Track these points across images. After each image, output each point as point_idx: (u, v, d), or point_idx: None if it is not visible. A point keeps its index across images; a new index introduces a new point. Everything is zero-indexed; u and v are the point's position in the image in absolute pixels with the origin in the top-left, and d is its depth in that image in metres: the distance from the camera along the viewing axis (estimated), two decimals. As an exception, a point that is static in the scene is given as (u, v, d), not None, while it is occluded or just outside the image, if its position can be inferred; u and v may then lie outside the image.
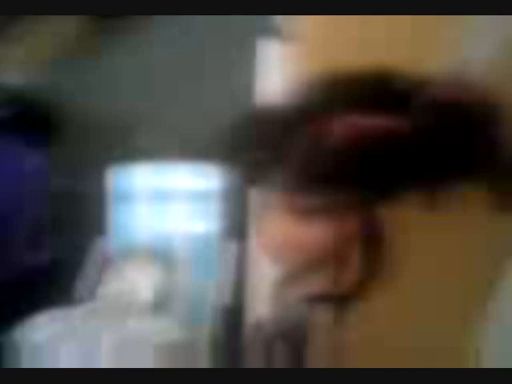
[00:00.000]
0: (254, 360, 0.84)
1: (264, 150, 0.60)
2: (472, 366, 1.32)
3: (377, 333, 1.27)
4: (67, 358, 1.36)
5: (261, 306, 0.87)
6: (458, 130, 0.59)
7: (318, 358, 0.71)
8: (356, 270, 0.66)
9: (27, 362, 1.34)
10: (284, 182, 0.58)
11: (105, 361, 1.36)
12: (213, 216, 1.75)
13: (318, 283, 0.70)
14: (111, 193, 1.75)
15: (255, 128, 0.63)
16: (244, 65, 2.65)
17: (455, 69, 0.64)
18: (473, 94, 0.60)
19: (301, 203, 0.63)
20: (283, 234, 0.67)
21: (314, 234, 0.65)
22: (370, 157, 0.57)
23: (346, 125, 0.57)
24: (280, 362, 0.76)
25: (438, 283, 1.12)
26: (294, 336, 0.74)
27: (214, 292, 1.70)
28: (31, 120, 2.52)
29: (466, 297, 1.24)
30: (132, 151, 2.68)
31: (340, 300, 0.69)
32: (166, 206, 1.77)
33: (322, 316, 0.70)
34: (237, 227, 1.76)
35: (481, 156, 0.61)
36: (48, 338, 1.40)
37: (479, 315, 1.31)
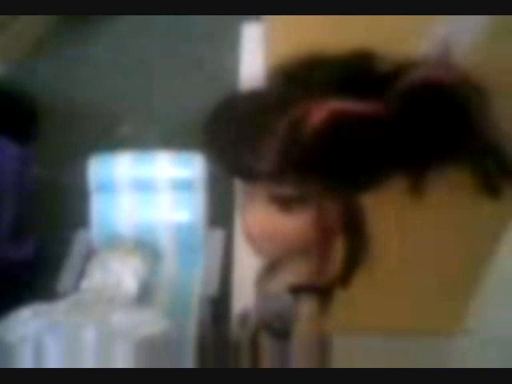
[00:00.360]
0: (239, 352, 0.82)
1: (241, 137, 0.58)
2: (463, 347, 1.33)
3: (362, 320, 1.26)
4: (51, 352, 1.35)
5: (248, 296, 0.85)
6: (442, 112, 0.58)
7: (302, 349, 0.70)
8: (339, 259, 0.64)
9: (11, 356, 1.33)
10: (262, 171, 0.55)
11: (88, 354, 1.35)
12: (197, 205, 1.73)
13: (300, 273, 0.68)
14: (93, 183, 1.71)
15: (231, 115, 0.61)
16: (228, 50, 2.63)
17: (438, 50, 0.62)
18: (456, 76, 0.59)
19: (280, 192, 0.61)
20: (264, 224, 0.65)
21: (295, 223, 0.63)
22: (350, 142, 0.55)
23: (325, 110, 0.54)
24: (265, 353, 0.74)
25: (423, 269, 1.11)
26: (277, 327, 0.72)
27: (199, 282, 1.69)
28: (11, 111, 2.49)
29: (450, 280, 1.24)
30: (114, 141, 2.66)
31: (323, 290, 0.67)
32: (149, 196, 1.75)
33: (306, 306, 0.68)
34: (222, 216, 1.74)
35: (465, 138, 0.59)
36: (32, 332, 1.39)
37: (467, 297, 1.31)
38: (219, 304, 1.61)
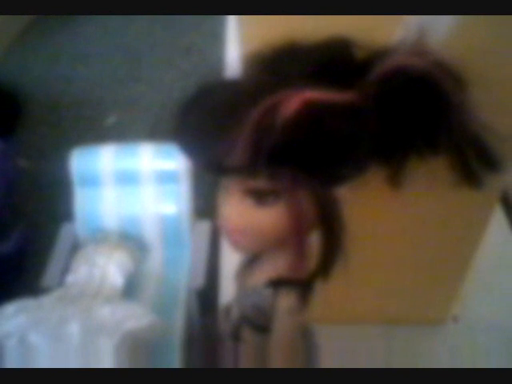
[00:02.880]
0: (224, 345, 0.82)
1: (212, 128, 0.56)
2: (451, 335, 1.34)
3: (345, 311, 1.26)
4: (36, 348, 1.34)
5: (234, 289, 0.85)
6: (418, 100, 0.56)
7: (281, 343, 0.69)
8: (316, 251, 0.63)
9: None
10: (233, 164, 0.54)
11: (74, 349, 1.34)
12: (183, 197, 1.71)
13: (279, 267, 0.67)
14: (76, 176, 1.69)
15: (202, 106, 0.59)
16: (214, 38, 2.61)
17: (413, 37, 0.61)
18: (435, 64, 0.57)
19: (254, 185, 0.60)
20: (239, 217, 0.63)
21: (270, 216, 0.62)
22: (324, 133, 0.54)
23: (298, 99, 0.53)
24: (246, 347, 0.73)
25: (405, 259, 1.11)
26: (257, 321, 0.71)
27: (186, 275, 1.68)
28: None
29: (434, 269, 1.25)
30: (100, 132, 2.64)
31: (302, 283, 0.66)
32: (134, 188, 1.73)
33: (285, 300, 0.67)
34: (208, 208, 1.73)
35: (443, 127, 0.58)
36: (16, 328, 1.37)
37: (452, 286, 1.32)
38: (206, 296, 1.60)
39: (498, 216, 1.45)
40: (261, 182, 0.58)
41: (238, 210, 0.63)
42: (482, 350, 1.27)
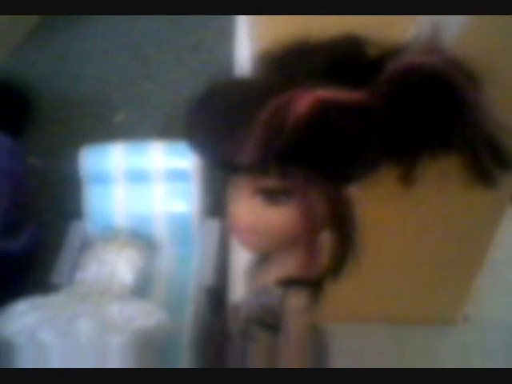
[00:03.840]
0: (233, 344, 0.81)
1: (223, 127, 0.56)
2: (463, 334, 1.33)
3: (358, 310, 1.26)
4: (47, 345, 1.34)
5: (244, 287, 0.84)
6: (431, 98, 0.55)
7: (291, 343, 0.69)
8: (328, 251, 0.62)
9: (7, 350, 1.32)
10: (244, 163, 0.54)
11: (84, 346, 1.34)
12: (193, 195, 1.71)
13: (288, 266, 0.67)
14: (86, 174, 1.70)
15: (213, 104, 0.59)
16: (223, 36, 2.60)
17: (427, 35, 0.60)
18: (448, 61, 0.56)
19: (265, 184, 0.59)
20: (249, 216, 0.63)
21: (281, 216, 0.61)
22: (336, 132, 0.53)
23: (310, 98, 0.52)
24: (256, 347, 0.73)
25: (418, 258, 1.10)
26: (267, 320, 0.70)
27: (195, 273, 1.67)
28: (3, 103, 2.46)
29: (446, 268, 1.24)
30: (109, 130, 2.64)
31: (313, 282, 0.66)
32: (144, 186, 1.73)
33: (296, 299, 0.67)
34: (218, 206, 1.72)
35: (457, 126, 0.57)
36: (27, 325, 1.38)
37: (465, 285, 1.31)
38: (215, 294, 1.60)
39: (511, 215, 1.44)
40: (271, 181, 0.58)
41: (249, 208, 0.62)
42: (493, 350, 1.26)
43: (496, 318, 1.33)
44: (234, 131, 0.54)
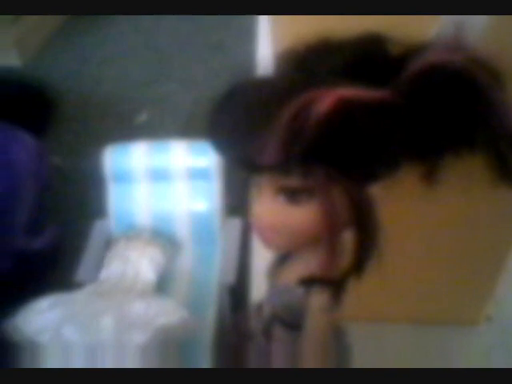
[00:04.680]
0: (255, 343, 0.82)
1: (246, 126, 0.56)
2: (485, 336, 1.31)
3: (380, 310, 1.25)
4: (70, 342, 1.36)
5: (266, 286, 0.84)
6: (453, 97, 0.55)
7: (313, 342, 0.69)
8: (350, 250, 0.62)
9: (31, 347, 1.34)
10: (267, 162, 0.54)
11: (107, 344, 1.36)
12: (214, 194, 1.72)
13: (310, 265, 0.67)
14: (109, 173, 1.71)
15: (236, 104, 0.59)
16: (245, 35, 2.60)
17: (449, 33, 0.59)
18: (471, 60, 0.56)
19: (287, 183, 0.59)
20: (271, 215, 0.63)
21: (303, 215, 0.61)
22: (358, 131, 0.53)
23: (332, 97, 0.52)
24: (278, 346, 0.73)
25: (440, 258, 1.09)
26: (289, 319, 0.71)
27: (217, 272, 1.68)
28: (28, 103, 2.50)
29: (469, 269, 1.22)
30: (131, 129, 2.66)
31: (335, 282, 0.66)
32: (166, 185, 1.74)
33: (318, 298, 0.67)
34: (240, 205, 1.73)
35: (481, 124, 0.57)
36: (50, 322, 1.40)
37: (488, 286, 1.29)
38: (237, 293, 1.61)
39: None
40: (294, 180, 0.58)
41: (271, 207, 0.62)
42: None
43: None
44: (257, 130, 0.54)
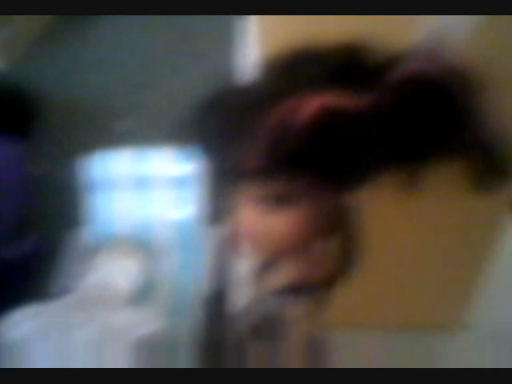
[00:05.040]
0: (235, 351, 0.81)
1: (229, 133, 0.56)
2: (461, 343, 1.32)
3: (358, 316, 1.25)
4: (45, 354, 1.33)
5: (245, 295, 0.84)
6: (433, 105, 0.55)
7: (291, 352, 0.68)
8: (329, 258, 0.62)
9: (4, 359, 1.31)
10: (249, 168, 0.53)
11: (83, 355, 1.33)
12: (194, 202, 1.70)
13: (293, 273, 0.66)
14: (89, 181, 1.69)
15: (219, 110, 0.58)
16: (226, 44, 2.60)
17: (430, 42, 0.59)
18: (450, 68, 0.56)
19: (269, 190, 0.59)
20: (253, 223, 0.62)
21: (285, 222, 0.61)
22: (341, 138, 0.53)
23: (315, 104, 0.52)
24: (253, 356, 0.72)
25: (419, 265, 1.09)
26: (269, 328, 0.70)
27: (198, 280, 1.67)
28: (8, 109, 2.47)
29: (447, 275, 1.23)
30: (113, 137, 2.64)
31: (317, 289, 0.65)
32: (145, 193, 1.72)
33: (295, 308, 0.66)
34: (221, 213, 1.72)
35: (460, 133, 0.57)
36: (25, 334, 1.37)
37: (465, 293, 1.30)
38: (218, 302, 1.59)
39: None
40: (276, 187, 0.57)
41: (253, 214, 0.62)
42: (494, 357, 1.25)
43: (498, 325, 1.32)
44: (241, 136, 0.54)
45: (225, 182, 0.62)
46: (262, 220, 0.61)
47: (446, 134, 0.57)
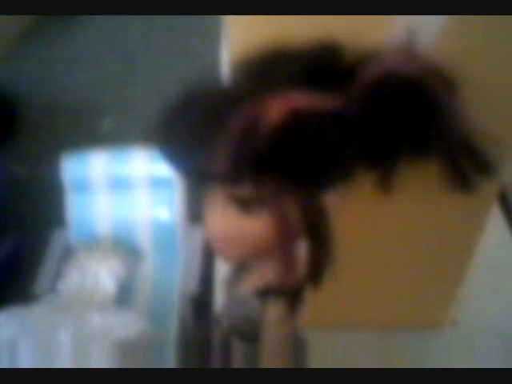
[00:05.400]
0: (214, 355, 0.80)
1: (195, 135, 0.55)
2: (449, 338, 1.32)
3: (341, 315, 1.25)
4: (26, 356, 1.32)
5: (225, 296, 0.83)
6: (407, 104, 0.55)
7: (271, 352, 0.67)
8: (304, 260, 0.61)
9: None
10: (217, 171, 0.52)
11: (65, 357, 1.32)
12: (176, 202, 1.69)
13: (266, 276, 0.66)
14: (68, 182, 1.68)
15: (186, 113, 0.57)
16: (211, 42, 2.59)
17: (402, 40, 0.59)
18: (424, 67, 0.56)
19: (238, 193, 0.58)
20: (223, 226, 0.62)
21: (255, 225, 0.60)
22: (311, 139, 0.52)
23: (284, 104, 0.51)
24: (236, 357, 0.72)
25: (399, 263, 1.10)
26: (246, 330, 0.69)
27: (180, 280, 1.66)
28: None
29: (426, 273, 1.23)
30: (94, 137, 2.62)
31: (291, 291, 0.65)
32: (127, 194, 1.71)
33: (274, 309, 0.66)
34: (202, 213, 1.71)
35: (433, 131, 0.57)
36: (7, 337, 1.35)
37: (449, 290, 1.30)
38: (200, 302, 1.59)
39: (497, 217, 1.43)
40: (245, 190, 0.56)
41: (223, 218, 0.61)
42: (481, 353, 1.25)
43: (484, 320, 1.33)
44: (207, 140, 0.53)
45: (196, 184, 0.61)
46: (233, 222, 0.61)
47: (420, 133, 0.56)
